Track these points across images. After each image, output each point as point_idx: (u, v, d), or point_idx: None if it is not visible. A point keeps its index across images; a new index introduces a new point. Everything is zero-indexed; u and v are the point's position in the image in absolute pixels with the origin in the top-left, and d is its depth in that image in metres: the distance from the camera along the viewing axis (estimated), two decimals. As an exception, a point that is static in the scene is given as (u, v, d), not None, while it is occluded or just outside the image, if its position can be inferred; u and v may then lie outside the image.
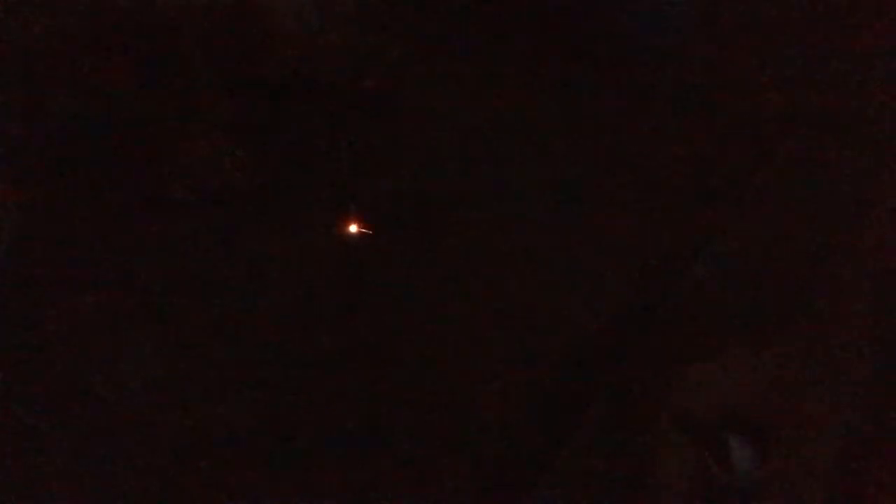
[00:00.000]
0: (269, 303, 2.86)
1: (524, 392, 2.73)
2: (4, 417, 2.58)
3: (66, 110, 2.92)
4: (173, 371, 2.71)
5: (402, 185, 3.14)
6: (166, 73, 3.05)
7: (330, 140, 3.15)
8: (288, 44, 3.14)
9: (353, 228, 2.99)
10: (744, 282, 2.94)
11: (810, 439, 2.61)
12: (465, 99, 3.34)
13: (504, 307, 2.90)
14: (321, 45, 3.19)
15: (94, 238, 2.91)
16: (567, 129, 3.31)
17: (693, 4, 3.46)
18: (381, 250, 3.00)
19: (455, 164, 3.23)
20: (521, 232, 3.07)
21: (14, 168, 2.92)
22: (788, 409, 2.65)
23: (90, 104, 2.93)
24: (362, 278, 2.95)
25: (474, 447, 2.63)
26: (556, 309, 2.90)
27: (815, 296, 2.87)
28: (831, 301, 2.85)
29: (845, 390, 2.68)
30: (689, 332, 2.85)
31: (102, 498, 2.50)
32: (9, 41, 2.92)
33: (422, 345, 2.80)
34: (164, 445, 2.58)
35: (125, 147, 2.97)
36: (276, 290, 2.89)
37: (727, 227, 3.05)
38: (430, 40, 3.43)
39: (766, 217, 3.08)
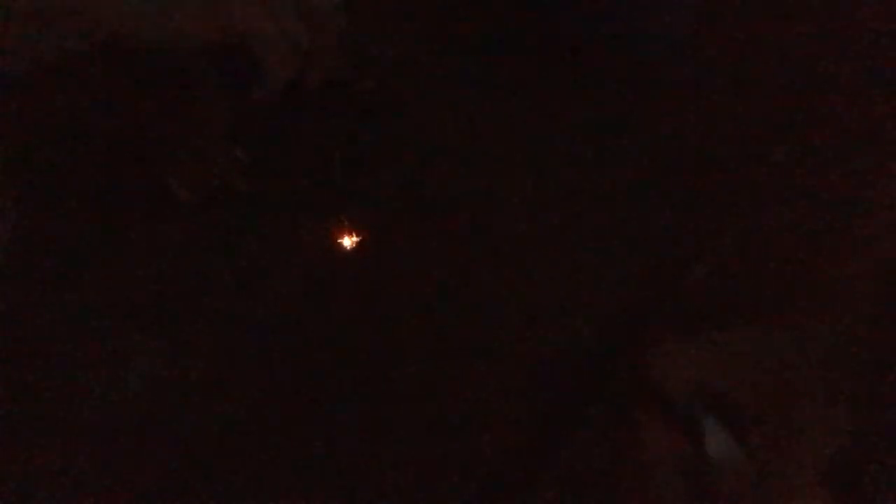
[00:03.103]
0: (269, 302, 2.87)
1: (524, 391, 2.74)
2: (4, 417, 2.59)
3: (66, 112, 2.92)
4: (172, 371, 2.71)
5: (401, 185, 3.14)
6: (167, 83, 3.05)
7: (328, 141, 3.15)
8: (280, 67, 3.15)
9: (352, 229, 3.00)
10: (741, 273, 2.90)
11: (799, 428, 2.50)
12: (464, 100, 3.34)
13: (503, 307, 2.91)
14: (312, 63, 3.20)
15: (94, 238, 2.91)
16: (566, 128, 3.31)
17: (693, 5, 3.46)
18: (379, 250, 3.00)
19: (454, 165, 3.23)
20: (521, 232, 3.08)
21: (14, 168, 2.92)
22: (774, 392, 2.52)
23: (91, 106, 2.93)
24: (361, 278, 2.95)
25: (474, 447, 2.64)
26: (557, 308, 2.90)
27: (811, 284, 2.80)
28: (828, 289, 2.78)
29: (840, 380, 2.57)
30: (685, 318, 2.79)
31: (101, 498, 2.51)
32: (14, 54, 2.92)
33: (421, 345, 2.81)
34: (164, 446, 2.59)
35: (125, 147, 2.97)
36: (277, 290, 2.89)
37: (727, 226, 3.05)
38: (426, 42, 3.42)
39: (765, 214, 3.09)
